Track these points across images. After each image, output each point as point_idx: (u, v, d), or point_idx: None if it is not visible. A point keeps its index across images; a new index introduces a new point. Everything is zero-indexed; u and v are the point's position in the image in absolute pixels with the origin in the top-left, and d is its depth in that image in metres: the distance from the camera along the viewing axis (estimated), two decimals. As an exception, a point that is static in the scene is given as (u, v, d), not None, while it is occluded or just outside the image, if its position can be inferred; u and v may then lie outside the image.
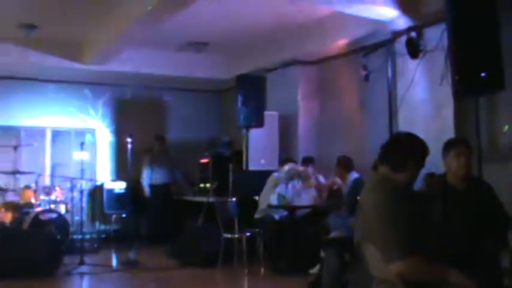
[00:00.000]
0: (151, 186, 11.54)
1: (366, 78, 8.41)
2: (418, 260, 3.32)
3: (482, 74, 5.88)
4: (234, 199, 8.95)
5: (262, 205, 8.86)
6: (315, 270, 7.47)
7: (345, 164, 8.41)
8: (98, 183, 11.88)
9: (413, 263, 3.31)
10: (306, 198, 8.94)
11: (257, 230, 8.59)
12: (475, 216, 4.61)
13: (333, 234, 6.90)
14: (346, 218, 7.32)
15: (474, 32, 5.99)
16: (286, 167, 9.01)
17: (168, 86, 13.04)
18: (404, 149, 3.66)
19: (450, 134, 7.17)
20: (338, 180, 8.69)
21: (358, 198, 3.78)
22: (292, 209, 8.61)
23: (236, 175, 9.80)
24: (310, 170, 9.23)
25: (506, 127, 6.58)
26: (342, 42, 9.39)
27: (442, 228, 4.37)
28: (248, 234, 8.47)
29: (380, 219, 3.44)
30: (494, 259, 4.75)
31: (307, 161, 9.41)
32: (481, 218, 4.66)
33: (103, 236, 11.41)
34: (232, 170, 9.88)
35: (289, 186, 8.91)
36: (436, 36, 7.31)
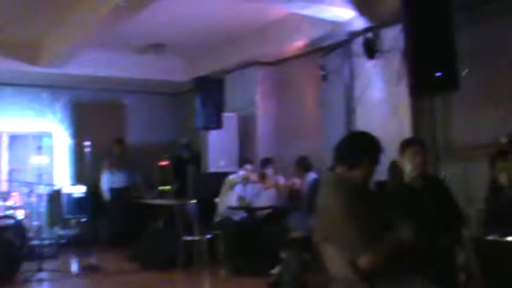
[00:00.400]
0: (111, 189, 11.44)
1: (324, 78, 8.48)
2: (380, 246, 3.43)
3: (438, 74, 5.98)
4: (193, 201, 8.94)
5: (221, 207, 8.86)
6: (275, 271, 7.50)
7: (303, 165, 8.50)
8: (57, 187, 11.74)
9: (377, 251, 3.41)
10: (266, 199, 8.98)
11: (217, 231, 8.59)
12: (431, 214, 4.69)
13: (293, 235, 6.93)
14: (305, 218, 7.37)
15: (429, 33, 6.08)
16: (241, 173, 9.03)
17: (127, 89, 12.95)
18: (358, 147, 3.75)
19: (407, 133, 7.25)
20: (297, 181, 8.74)
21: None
22: (252, 210, 8.63)
23: (196, 177, 9.79)
24: (269, 171, 9.26)
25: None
26: (299, 43, 9.42)
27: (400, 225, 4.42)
28: (208, 236, 8.47)
29: (341, 218, 3.50)
30: (451, 256, 4.84)
31: (266, 162, 9.42)
32: (438, 216, 4.75)
33: (62, 241, 11.29)
34: (192, 172, 9.87)
35: (248, 187, 8.95)
36: (393, 36, 7.38)
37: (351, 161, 3.70)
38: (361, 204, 3.54)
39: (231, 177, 9.04)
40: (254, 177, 9.08)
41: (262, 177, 9.28)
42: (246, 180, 9.00)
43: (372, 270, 3.42)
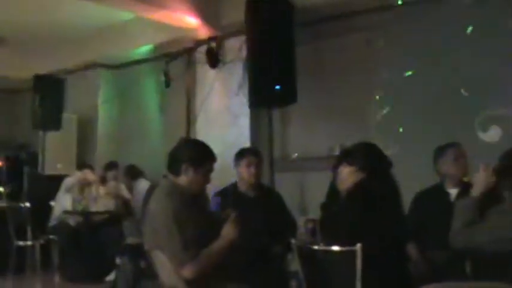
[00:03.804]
0: None
1: (167, 84, 8.49)
2: (202, 254, 3.45)
3: (277, 87, 6.19)
4: (27, 204, 8.62)
5: (57, 211, 8.61)
6: (111, 277, 7.40)
7: (131, 173, 8.57)
8: None
9: (201, 259, 3.44)
10: (102, 204, 8.82)
11: (52, 236, 8.34)
12: (263, 223, 4.84)
13: (128, 241, 6.87)
14: (140, 225, 7.32)
15: (271, 47, 6.30)
16: (79, 175, 8.81)
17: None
18: (179, 155, 3.77)
19: (246, 143, 7.43)
20: (126, 194, 8.80)
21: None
22: (88, 214, 8.45)
23: (31, 179, 9.47)
24: (112, 175, 9.12)
25: None
26: (144, 48, 9.36)
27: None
28: (42, 241, 8.20)
29: (165, 226, 3.50)
30: (281, 263, 5.01)
31: (111, 166, 9.26)
32: (269, 224, 4.90)
33: None
34: (28, 174, 9.54)
35: (86, 191, 8.76)
36: (236, 47, 7.54)
37: (173, 168, 3.74)
38: (186, 213, 3.55)
39: (69, 180, 8.79)
40: (92, 176, 8.88)
41: (102, 181, 9.12)
42: (84, 181, 8.78)
43: (197, 279, 3.46)
